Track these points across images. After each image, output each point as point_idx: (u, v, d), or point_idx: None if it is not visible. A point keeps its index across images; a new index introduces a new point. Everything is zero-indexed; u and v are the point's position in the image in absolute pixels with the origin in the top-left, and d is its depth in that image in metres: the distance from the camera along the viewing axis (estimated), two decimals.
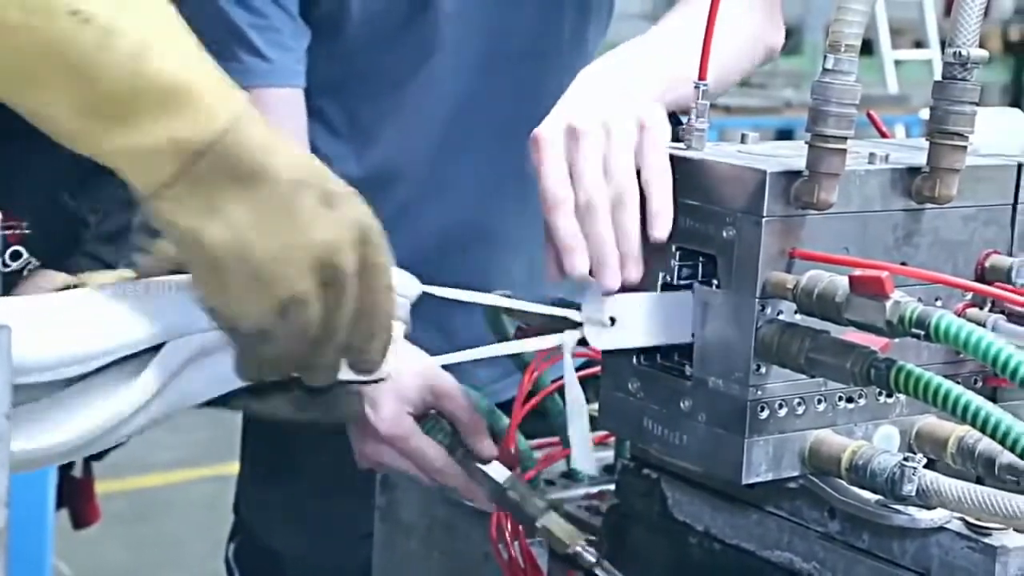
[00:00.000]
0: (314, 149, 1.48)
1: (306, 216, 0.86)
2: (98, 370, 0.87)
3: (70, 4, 0.81)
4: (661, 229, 1.05)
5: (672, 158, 1.08)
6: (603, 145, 1.06)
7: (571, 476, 1.38)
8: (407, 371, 1.26)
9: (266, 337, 0.87)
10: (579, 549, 1.19)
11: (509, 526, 1.26)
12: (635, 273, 1.06)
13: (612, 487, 1.26)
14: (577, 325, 1.06)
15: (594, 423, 1.13)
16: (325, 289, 0.88)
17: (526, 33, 1.56)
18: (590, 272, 1.05)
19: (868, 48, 7.56)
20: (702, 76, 1.10)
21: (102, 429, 0.87)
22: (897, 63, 7.59)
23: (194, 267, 0.86)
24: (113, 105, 0.82)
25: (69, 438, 0.86)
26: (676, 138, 1.13)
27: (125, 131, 0.82)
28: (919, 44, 8.10)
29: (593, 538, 1.24)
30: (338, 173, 0.92)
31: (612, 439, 1.36)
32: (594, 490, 1.35)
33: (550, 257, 1.07)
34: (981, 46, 1.03)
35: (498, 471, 1.25)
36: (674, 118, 1.14)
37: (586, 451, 1.08)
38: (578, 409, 1.07)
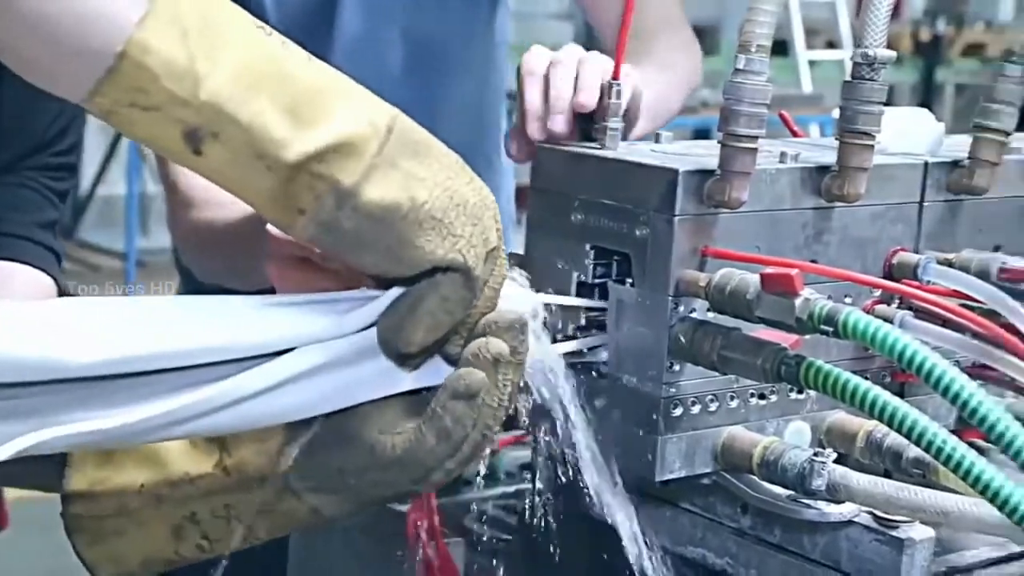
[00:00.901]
0: None
1: (477, 178, 0.90)
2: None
3: (254, 20, 0.87)
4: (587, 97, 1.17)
5: (585, 157, 1.09)
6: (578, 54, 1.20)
7: (489, 476, 1.38)
8: None
9: (482, 284, 0.89)
10: None
11: (426, 526, 1.26)
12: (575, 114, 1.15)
13: (529, 486, 1.27)
14: None
15: (510, 422, 1.13)
16: None
17: (440, 34, 1.57)
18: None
19: (783, 49, 7.65)
20: (615, 76, 1.10)
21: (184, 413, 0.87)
22: (811, 63, 7.68)
23: (419, 231, 0.86)
24: (309, 103, 0.86)
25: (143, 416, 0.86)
26: (589, 137, 1.14)
27: (329, 125, 0.85)
28: (832, 44, 8.21)
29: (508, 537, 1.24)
30: None
31: (529, 438, 1.36)
32: (511, 489, 1.36)
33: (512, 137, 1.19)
34: (892, 47, 1.05)
35: None
36: (587, 118, 1.15)
37: None
38: None
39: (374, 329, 0.89)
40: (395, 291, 0.88)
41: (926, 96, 8.59)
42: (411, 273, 0.87)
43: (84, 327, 0.85)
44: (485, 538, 1.30)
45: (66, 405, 0.85)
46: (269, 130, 0.84)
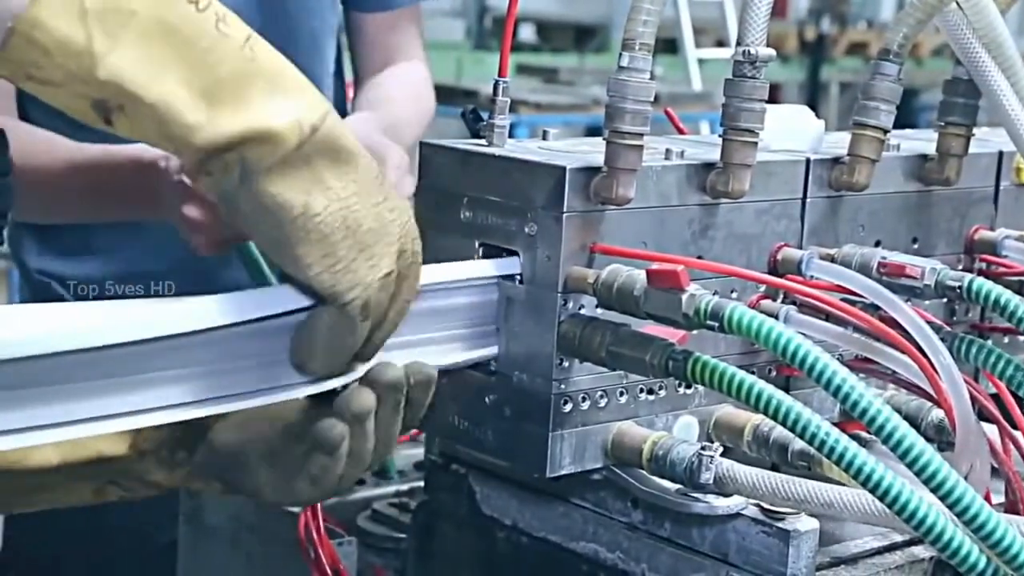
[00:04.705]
0: None
1: (392, 197, 0.91)
2: None
3: None
4: None
5: (473, 154, 1.09)
6: None
7: (381, 474, 1.38)
8: None
9: (366, 311, 0.90)
10: None
11: (316, 526, 1.25)
12: None
13: (422, 484, 1.26)
14: None
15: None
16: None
17: (284, 31, 1.64)
18: None
19: (672, 47, 7.73)
20: (502, 73, 1.10)
21: None
22: (701, 62, 7.77)
23: (302, 239, 0.87)
24: (230, 89, 0.85)
25: None
26: (477, 135, 1.14)
27: (248, 112, 0.85)
28: (721, 43, 8.32)
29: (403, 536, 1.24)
30: None
31: (422, 436, 1.36)
32: (404, 487, 1.35)
33: None
34: (778, 46, 1.07)
35: None
36: (475, 114, 1.15)
37: None
38: None
39: None
40: (282, 290, 0.90)
41: (812, 94, 8.74)
42: (294, 275, 0.89)
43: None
44: (378, 537, 1.29)
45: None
46: (179, 113, 0.84)
